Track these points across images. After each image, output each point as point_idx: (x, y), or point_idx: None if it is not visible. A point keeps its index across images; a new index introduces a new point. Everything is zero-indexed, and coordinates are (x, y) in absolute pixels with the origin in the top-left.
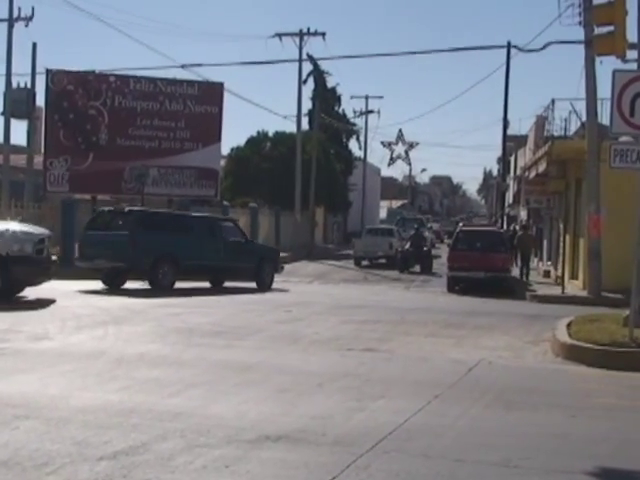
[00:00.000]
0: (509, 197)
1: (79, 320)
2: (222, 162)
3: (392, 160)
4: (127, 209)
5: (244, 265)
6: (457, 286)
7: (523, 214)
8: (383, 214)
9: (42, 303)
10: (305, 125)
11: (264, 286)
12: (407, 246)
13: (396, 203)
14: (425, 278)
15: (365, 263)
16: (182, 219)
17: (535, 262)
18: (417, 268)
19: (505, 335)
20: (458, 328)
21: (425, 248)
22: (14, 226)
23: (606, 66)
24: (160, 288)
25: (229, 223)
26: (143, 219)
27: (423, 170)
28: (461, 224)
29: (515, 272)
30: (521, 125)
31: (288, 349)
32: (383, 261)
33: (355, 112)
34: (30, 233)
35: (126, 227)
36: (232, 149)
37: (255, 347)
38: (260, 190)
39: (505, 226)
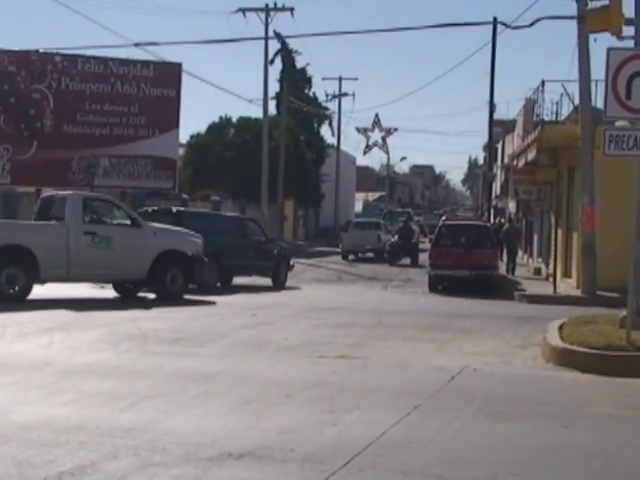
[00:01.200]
0: (496, 188)
1: (22, 327)
2: (181, 151)
3: (368, 148)
4: (175, 209)
5: (265, 264)
6: (440, 285)
7: (512, 206)
8: (358, 207)
9: None
10: (272, 110)
11: (280, 284)
12: (396, 238)
13: (373, 195)
14: (405, 277)
15: (352, 257)
16: (219, 219)
17: (523, 257)
18: (407, 261)
19: (492, 339)
20: (440, 331)
21: (413, 240)
22: (176, 227)
23: (601, 44)
24: (205, 288)
25: (252, 222)
26: (192, 220)
27: (402, 159)
28: (444, 217)
29: (502, 269)
30: (509, 109)
31: (254, 356)
32: (371, 255)
33: (327, 95)
34: (193, 234)
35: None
36: (192, 136)
37: (217, 355)
38: (223, 181)
39: (492, 219)
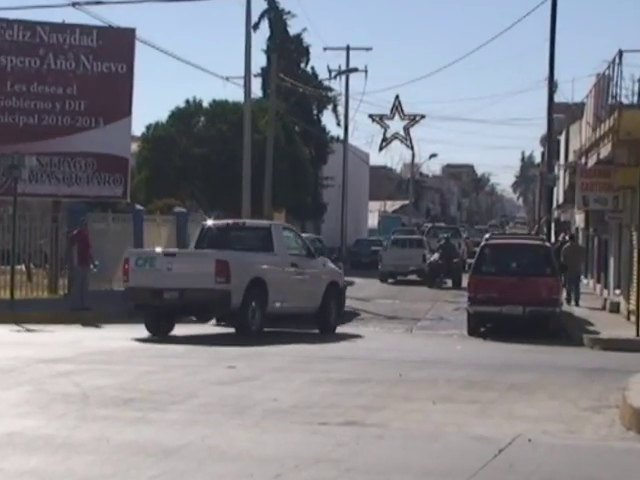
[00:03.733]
0: (558, 195)
1: None
2: (134, 146)
3: (386, 141)
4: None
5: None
6: (483, 327)
7: (579, 219)
8: (373, 221)
9: None
10: (257, 91)
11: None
12: (435, 257)
13: (392, 205)
14: (437, 313)
15: (391, 280)
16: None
17: (589, 284)
18: (449, 283)
19: (553, 399)
20: (484, 389)
21: (456, 260)
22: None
23: None
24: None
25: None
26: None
27: (432, 156)
28: (488, 235)
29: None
30: (575, 89)
31: (232, 424)
32: (413, 277)
33: (331, 71)
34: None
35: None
36: (149, 127)
37: (183, 421)
38: (190, 187)
39: (553, 237)
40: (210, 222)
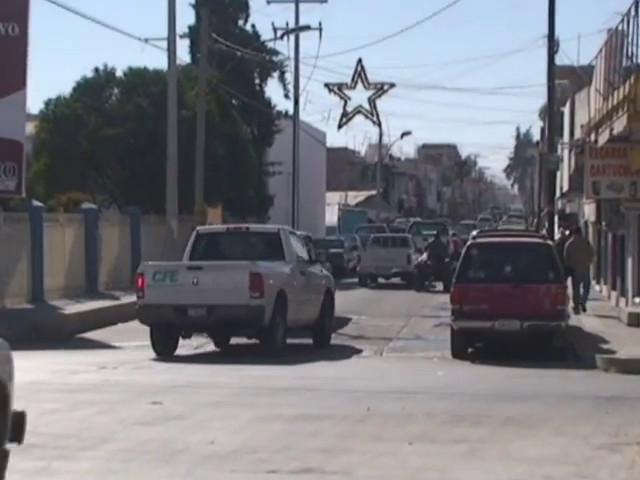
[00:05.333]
0: (562, 181)
1: None
2: (30, 127)
3: (346, 117)
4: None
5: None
6: (470, 347)
7: (588, 211)
8: (332, 217)
9: None
10: (184, 55)
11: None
12: (424, 257)
13: (357, 196)
14: (412, 331)
15: (375, 282)
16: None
17: (602, 290)
18: (439, 287)
19: (559, 435)
20: (473, 425)
21: (447, 259)
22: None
23: None
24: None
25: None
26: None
27: (405, 135)
28: (475, 232)
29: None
30: (581, 49)
31: (157, 474)
32: (397, 279)
33: (277, 30)
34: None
35: None
36: (48, 103)
37: (96, 472)
38: (102, 177)
39: (557, 233)
40: (205, 227)
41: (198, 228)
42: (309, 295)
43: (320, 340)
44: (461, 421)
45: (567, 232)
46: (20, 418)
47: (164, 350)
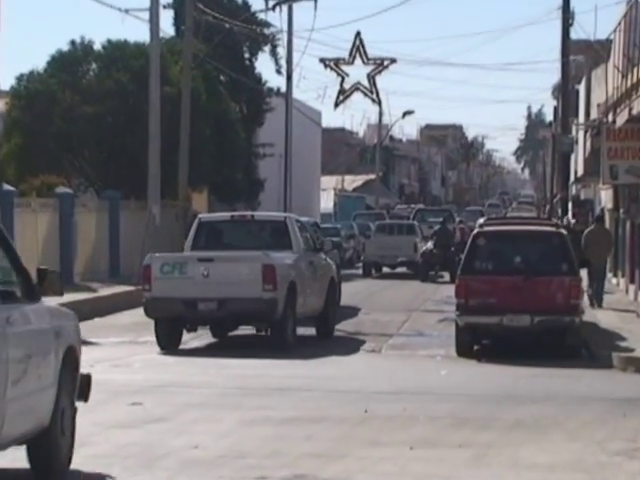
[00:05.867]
0: (577, 164)
1: None
2: (0, 105)
3: (343, 95)
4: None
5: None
6: (477, 344)
7: (605, 197)
8: (327, 203)
9: None
10: (168, 28)
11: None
12: (429, 246)
13: (354, 180)
14: (414, 327)
15: (379, 271)
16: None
17: (619, 283)
18: (446, 277)
19: (572, 440)
20: (479, 429)
21: (453, 248)
22: None
23: None
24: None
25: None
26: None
27: (407, 114)
28: (482, 220)
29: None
30: (598, 22)
31: None
32: (403, 269)
33: (268, 0)
34: None
35: None
36: (20, 78)
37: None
38: (78, 159)
39: (571, 219)
40: (208, 215)
41: (200, 216)
42: (316, 286)
43: (324, 331)
44: (466, 424)
45: (571, 221)
46: (87, 379)
47: (169, 344)
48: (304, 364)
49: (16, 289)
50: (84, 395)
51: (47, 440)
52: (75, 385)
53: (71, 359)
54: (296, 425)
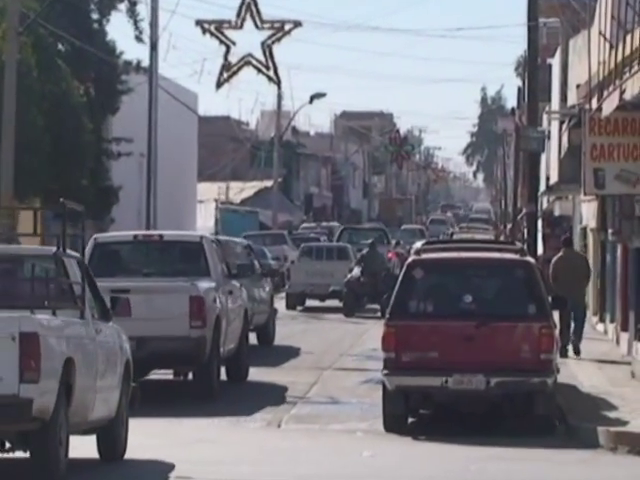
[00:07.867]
0: (549, 167)
1: None
2: None
3: (229, 71)
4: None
5: None
6: (412, 415)
7: (586, 212)
8: (206, 220)
9: None
10: None
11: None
12: (356, 273)
13: (242, 189)
14: (326, 390)
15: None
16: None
17: (607, 330)
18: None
19: None
20: None
21: (382, 275)
22: None
23: None
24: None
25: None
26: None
27: (316, 97)
28: (419, 244)
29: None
30: None
31: None
32: (334, 301)
33: None
34: None
35: None
36: None
37: None
38: None
39: (541, 244)
40: (105, 235)
41: (96, 236)
42: (235, 321)
43: (237, 376)
44: None
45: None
46: (136, 390)
47: None
48: (165, 448)
49: (94, 312)
50: (132, 403)
51: (112, 429)
52: (129, 392)
53: (128, 370)
54: None
